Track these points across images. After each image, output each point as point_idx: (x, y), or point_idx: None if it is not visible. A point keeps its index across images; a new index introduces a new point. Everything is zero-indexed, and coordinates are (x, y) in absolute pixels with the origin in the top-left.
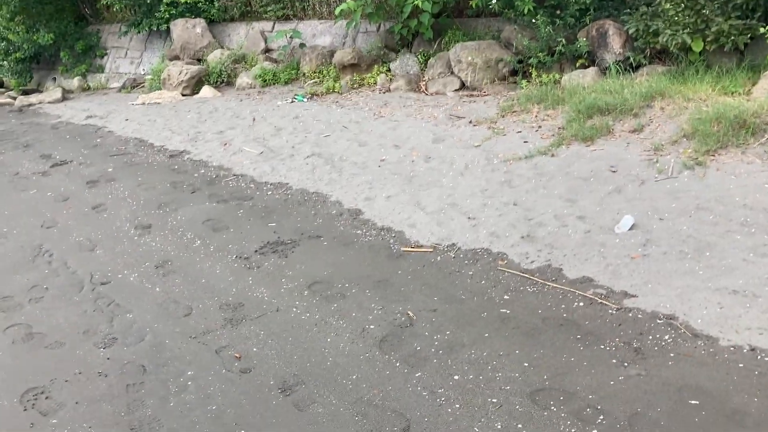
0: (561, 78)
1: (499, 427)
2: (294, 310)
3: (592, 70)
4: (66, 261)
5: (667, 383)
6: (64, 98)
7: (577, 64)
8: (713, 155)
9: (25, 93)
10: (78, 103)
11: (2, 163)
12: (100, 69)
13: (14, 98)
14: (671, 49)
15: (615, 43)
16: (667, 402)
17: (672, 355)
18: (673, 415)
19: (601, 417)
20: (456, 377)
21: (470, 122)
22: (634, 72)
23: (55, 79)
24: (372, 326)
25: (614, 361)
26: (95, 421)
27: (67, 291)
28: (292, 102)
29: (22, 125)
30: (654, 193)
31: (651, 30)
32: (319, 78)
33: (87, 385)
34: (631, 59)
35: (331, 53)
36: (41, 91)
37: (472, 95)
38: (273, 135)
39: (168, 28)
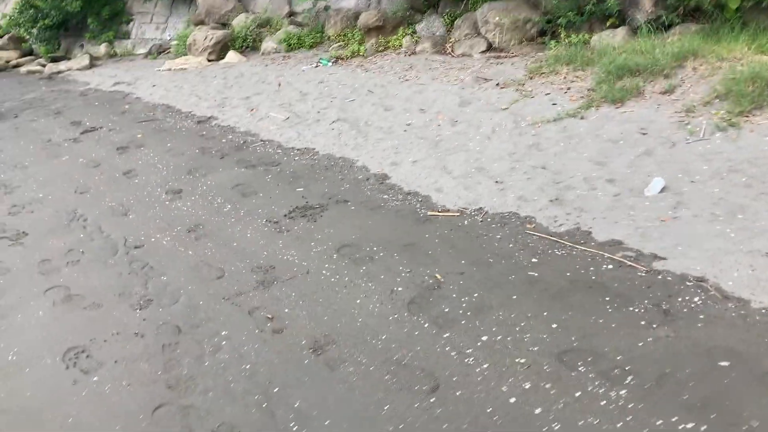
0: (590, 38)
1: (528, 386)
2: (323, 272)
3: (622, 30)
4: (100, 225)
5: (697, 344)
6: (91, 65)
7: (607, 24)
8: (747, 116)
9: (54, 60)
10: (105, 70)
11: (35, 130)
12: (126, 35)
13: (43, 66)
14: (706, 6)
15: (646, 1)
16: (696, 363)
17: (702, 317)
18: (702, 376)
19: (630, 377)
20: (484, 338)
21: (497, 85)
22: (665, 31)
23: (82, 46)
24: (400, 288)
25: (643, 322)
26: (134, 379)
27: (102, 254)
28: (317, 66)
29: (52, 92)
30: (685, 155)
31: None
32: (343, 41)
33: (125, 344)
34: (663, 18)
35: (356, 16)
36: (69, 59)
37: (499, 57)
38: (298, 100)
39: None
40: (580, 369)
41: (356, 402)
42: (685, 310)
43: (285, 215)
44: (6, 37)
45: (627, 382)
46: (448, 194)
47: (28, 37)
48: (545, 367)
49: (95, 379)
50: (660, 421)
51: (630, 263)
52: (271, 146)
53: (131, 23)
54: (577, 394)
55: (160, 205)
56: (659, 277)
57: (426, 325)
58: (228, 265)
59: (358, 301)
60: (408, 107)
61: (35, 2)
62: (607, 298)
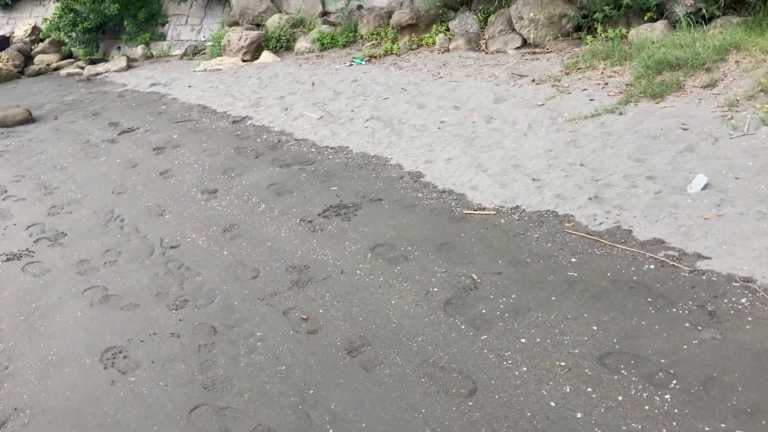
0: (628, 32)
1: (568, 390)
2: (358, 272)
3: (661, 24)
4: (137, 225)
5: (745, 348)
6: (128, 67)
7: (645, 18)
8: None
9: (92, 62)
10: (142, 71)
11: (74, 131)
12: (162, 37)
13: (82, 68)
14: None
15: None
16: (744, 367)
17: (749, 319)
18: (751, 381)
19: (675, 382)
20: (523, 340)
21: (533, 81)
22: (706, 24)
23: (119, 48)
24: (436, 289)
25: (687, 324)
26: (170, 380)
27: (138, 255)
28: (351, 65)
29: (90, 94)
30: (728, 151)
31: None
32: (376, 40)
33: (161, 345)
34: (704, 11)
35: (389, 14)
36: (107, 61)
37: (534, 53)
38: (332, 99)
39: None
40: (622, 372)
41: (392, 405)
42: (731, 311)
43: (319, 214)
44: (47, 40)
45: (672, 386)
46: (483, 192)
47: (67, 40)
48: (586, 370)
49: (132, 379)
50: (707, 428)
51: (673, 263)
52: (305, 145)
53: (167, 25)
54: (620, 398)
55: (196, 205)
56: (704, 277)
57: (463, 327)
58: (263, 265)
59: (393, 302)
60: (442, 105)
61: (75, 6)
62: (650, 299)
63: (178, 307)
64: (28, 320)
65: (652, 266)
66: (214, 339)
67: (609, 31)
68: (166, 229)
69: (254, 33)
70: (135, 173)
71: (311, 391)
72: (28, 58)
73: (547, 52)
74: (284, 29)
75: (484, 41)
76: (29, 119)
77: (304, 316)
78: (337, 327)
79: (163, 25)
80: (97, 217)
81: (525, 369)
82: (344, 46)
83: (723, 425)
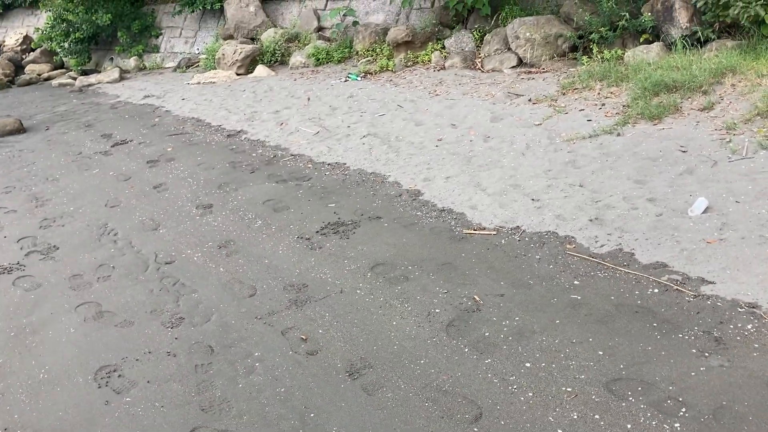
0: (624, 54)
1: (575, 417)
2: (358, 292)
3: (656, 46)
4: (131, 240)
5: (754, 376)
6: (121, 78)
7: (641, 39)
8: None
9: (85, 73)
10: (135, 83)
11: (66, 143)
12: (156, 49)
13: (74, 78)
14: (743, 22)
15: (681, 17)
16: (754, 396)
17: (756, 345)
18: (762, 410)
19: (684, 410)
20: (527, 364)
21: (529, 100)
22: (701, 47)
23: (112, 59)
24: (438, 310)
25: (694, 350)
26: (166, 401)
27: (133, 270)
28: (346, 81)
29: (82, 105)
30: (728, 174)
31: (721, 2)
32: (372, 56)
33: (157, 364)
34: (699, 33)
35: (385, 31)
36: (99, 72)
37: (530, 72)
38: (328, 114)
39: (221, 6)
40: (630, 399)
41: (396, 430)
42: (738, 338)
43: (317, 231)
44: (38, 50)
45: (681, 414)
46: (483, 212)
47: (59, 50)
48: (593, 397)
49: (128, 399)
50: None
51: (677, 287)
52: (302, 161)
53: (160, 37)
54: (629, 426)
55: (191, 220)
56: (708, 302)
57: (466, 350)
58: (260, 283)
59: (395, 323)
60: (439, 122)
61: (67, 16)
62: (655, 324)
63: (174, 324)
64: (19, 336)
65: (656, 290)
66: (211, 359)
67: (605, 52)
68: (161, 244)
69: (249, 47)
70: (128, 186)
71: (312, 415)
72: (18, 67)
73: (543, 72)
74: (279, 44)
75: (479, 60)
76: (20, 129)
77: (304, 337)
78: (337, 348)
79: (157, 37)
80: (90, 230)
81: (531, 394)
82: (339, 61)
83: None
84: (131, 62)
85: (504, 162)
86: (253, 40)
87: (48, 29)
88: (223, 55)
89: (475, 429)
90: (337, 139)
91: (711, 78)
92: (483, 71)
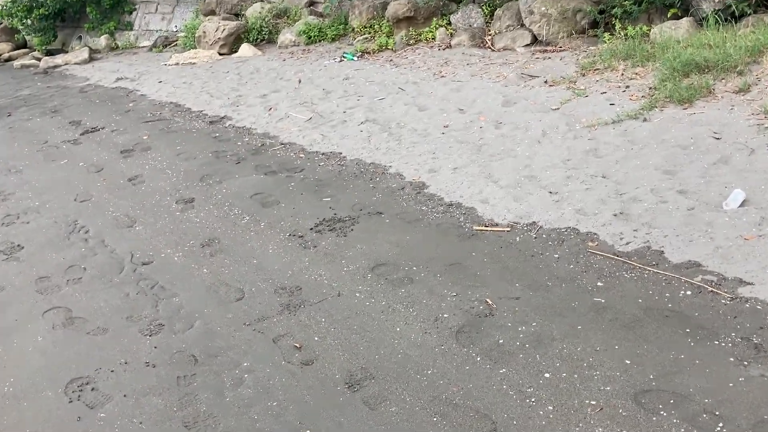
0: (649, 30)
1: None
2: (357, 295)
3: (685, 21)
4: (103, 238)
5: None
6: (91, 59)
7: (669, 15)
8: None
9: (50, 53)
10: (106, 64)
11: (30, 131)
12: (129, 26)
13: (38, 59)
14: None
15: None
16: None
17: None
18: None
19: (721, 424)
20: (547, 375)
21: (545, 82)
22: (736, 23)
23: (80, 38)
24: (446, 315)
25: (732, 359)
26: (145, 417)
27: (106, 272)
28: (341, 61)
29: (48, 89)
30: (767, 164)
31: None
32: (370, 33)
33: (134, 376)
34: (733, 7)
35: (384, 5)
36: (66, 51)
37: (545, 51)
38: (321, 98)
39: None
40: (661, 413)
41: None
42: None
43: (311, 228)
44: None
45: (718, 429)
46: (495, 206)
47: (21, 27)
48: (620, 410)
49: (102, 415)
50: None
51: (711, 289)
52: (293, 150)
53: (134, 13)
54: None
55: (170, 216)
56: (747, 305)
57: (478, 359)
58: (248, 286)
59: (398, 329)
60: (445, 107)
61: None
62: (688, 330)
63: (153, 332)
64: None
65: (688, 292)
66: (195, 369)
67: (628, 28)
68: (137, 242)
69: (233, 23)
70: (100, 179)
71: (307, 431)
72: None
73: (560, 51)
74: (266, 20)
75: (489, 37)
76: None
77: (297, 345)
78: (335, 357)
79: (130, 13)
80: (58, 227)
81: (551, 408)
82: (333, 39)
83: None
84: (102, 41)
85: (518, 151)
86: (237, 16)
87: (8, 4)
88: (204, 32)
89: None
90: (331, 125)
91: (747, 57)
92: (493, 50)
